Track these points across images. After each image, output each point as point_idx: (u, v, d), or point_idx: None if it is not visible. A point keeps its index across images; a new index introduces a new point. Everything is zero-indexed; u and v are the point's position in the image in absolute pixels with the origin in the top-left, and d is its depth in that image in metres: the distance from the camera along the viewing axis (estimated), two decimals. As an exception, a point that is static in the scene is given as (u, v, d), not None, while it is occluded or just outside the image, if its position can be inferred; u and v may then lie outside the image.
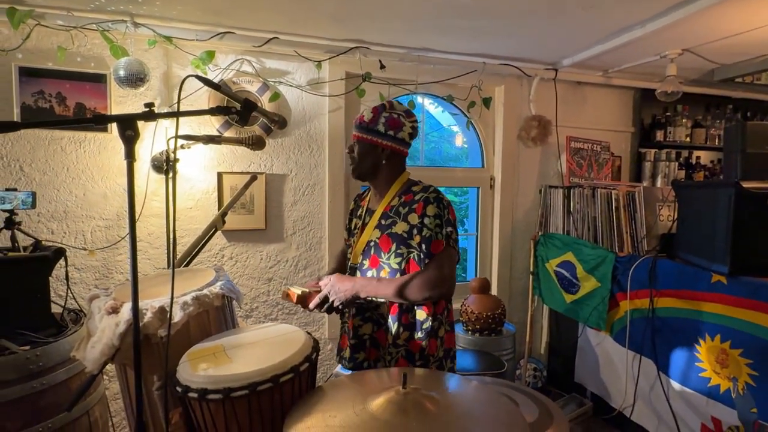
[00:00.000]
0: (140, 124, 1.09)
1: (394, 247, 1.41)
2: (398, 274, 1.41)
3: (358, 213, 1.63)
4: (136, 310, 1.05)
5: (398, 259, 1.41)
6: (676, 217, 2.22)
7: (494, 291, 3.06)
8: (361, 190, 1.71)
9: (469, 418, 0.97)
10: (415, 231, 1.39)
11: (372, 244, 1.47)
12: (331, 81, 2.60)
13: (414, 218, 1.40)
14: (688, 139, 3.36)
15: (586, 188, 2.72)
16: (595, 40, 2.51)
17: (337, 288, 1.40)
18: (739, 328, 1.78)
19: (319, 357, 1.38)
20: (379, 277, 1.44)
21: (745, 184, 1.77)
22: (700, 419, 1.95)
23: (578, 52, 2.72)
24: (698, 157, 3.49)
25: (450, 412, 0.97)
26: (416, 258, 1.39)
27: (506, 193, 3.07)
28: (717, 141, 3.41)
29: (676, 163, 3.31)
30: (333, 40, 2.48)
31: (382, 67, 2.62)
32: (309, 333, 1.37)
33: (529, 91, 3.04)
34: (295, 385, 1.16)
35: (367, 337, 1.48)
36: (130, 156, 1.06)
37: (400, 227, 1.42)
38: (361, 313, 1.48)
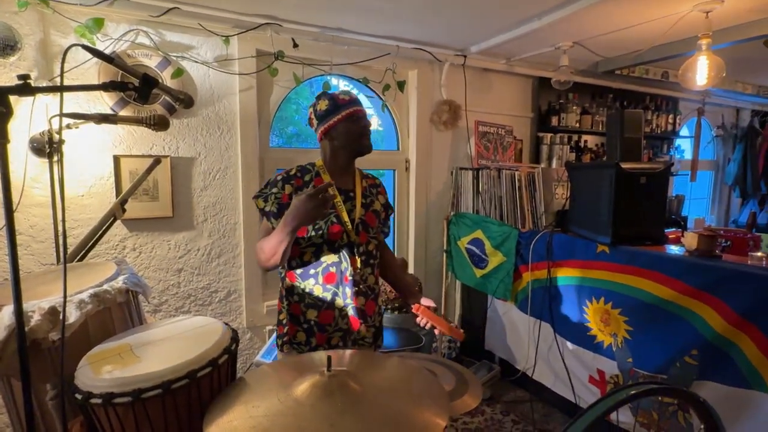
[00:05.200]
0: (13, 99, 0.95)
1: (377, 222, 1.59)
2: (377, 247, 1.60)
3: None
4: (19, 313, 0.93)
5: (378, 233, 1.60)
6: (568, 195, 2.47)
7: (411, 270, 3.18)
8: (276, 173, 1.56)
9: (394, 392, 1.01)
10: (382, 209, 1.64)
11: (359, 221, 1.52)
12: (241, 58, 2.45)
13: (382, 199, 1.66)
14: (577, 124, 3.75)
15: (493, 170, 2.91)
16: (498, 29, 2.66)
17: None
18: (619, 291, 2.05)
19: (239, 347, 1.33)
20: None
21: (624, 165, 2.02)
22: (588, 372, 2.23)
23: (484, 39, 2.86)
24: (586, 141, 3.89)
25: (375, 390, 1.00)
26: (380, 231, 1.64)
27: (421, 175, 3.18)
28: (600, 126, 3.84)
29: (568, 146, 3.68)
30: (242, 15, 2.33)
31: (295, 45, 2.53)
32: (227, 324, 1.32)
33: (441, 76, 3.15)
34: (213, 379, 1.11)
35: (360, 310, 1.51)
36: (3, 136, 0.92)
37: (377, 205, 1.62)
38: (357, 285, 1.50)
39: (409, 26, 2.60)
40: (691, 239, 1.87)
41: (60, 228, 1.89)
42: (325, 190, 1.27)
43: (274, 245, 1.34)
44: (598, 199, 2.13)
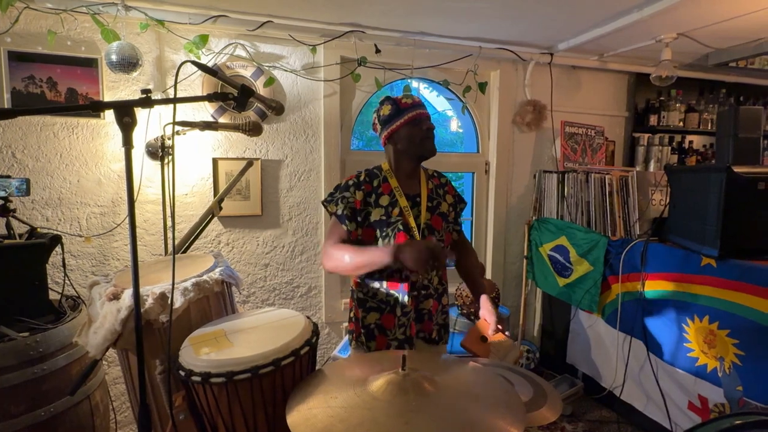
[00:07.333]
0: (135, 110, 1.09)
1: (444, 225, 1.57)
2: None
3: (383, 202, 1.51)
4: (137, 296, 1.06)
5: (445, 234, 1.59)
6: (668, 201, 2.25)
7: (489, 275, 3.10)
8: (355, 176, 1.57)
9: (468, 397, 1.00)
10: (451, 208, 1.62)
11: (424, 226, 1.51)
12: (326, 65, 2.58)
13: (450, 198, 1.63)
14: (681, 123, 3.39)
15: (580, 173, 2.74)
16: (592, 23, 2.50)
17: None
18: (727, 310, 1.83)
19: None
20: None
21: (737, 169, 1.80)
22: (687, 397, 2.01)
23: (575, 35, 2.70)
24: (691, 142, 3.51)
25: (449, 393, 1.00)
26: (450, 230, 1.62)
27: (501, 178, 3.09)
28: (710, 125, 3.44)
29: (669, 148, 3.34)
30: (328, 24, 2.45)
31: (378, 51, 2.60)
32: (308, 317, 1.40)
33: (525, 75, 3.04)
34: (295, 368, 1.19)
35: (426, 311, 1.54)
36: (127, 143, 1.06)
37: (444, 207, 1.59)
38: (425, 288, 1.53)
39: (493, 25, 2.54)
40: (823, 255, 1.61)
41: (169, 223, 2.11)
42: (443, 258, 1.31)
43: (357, 264, 1.36)
44: (704, 207, 1.92)
